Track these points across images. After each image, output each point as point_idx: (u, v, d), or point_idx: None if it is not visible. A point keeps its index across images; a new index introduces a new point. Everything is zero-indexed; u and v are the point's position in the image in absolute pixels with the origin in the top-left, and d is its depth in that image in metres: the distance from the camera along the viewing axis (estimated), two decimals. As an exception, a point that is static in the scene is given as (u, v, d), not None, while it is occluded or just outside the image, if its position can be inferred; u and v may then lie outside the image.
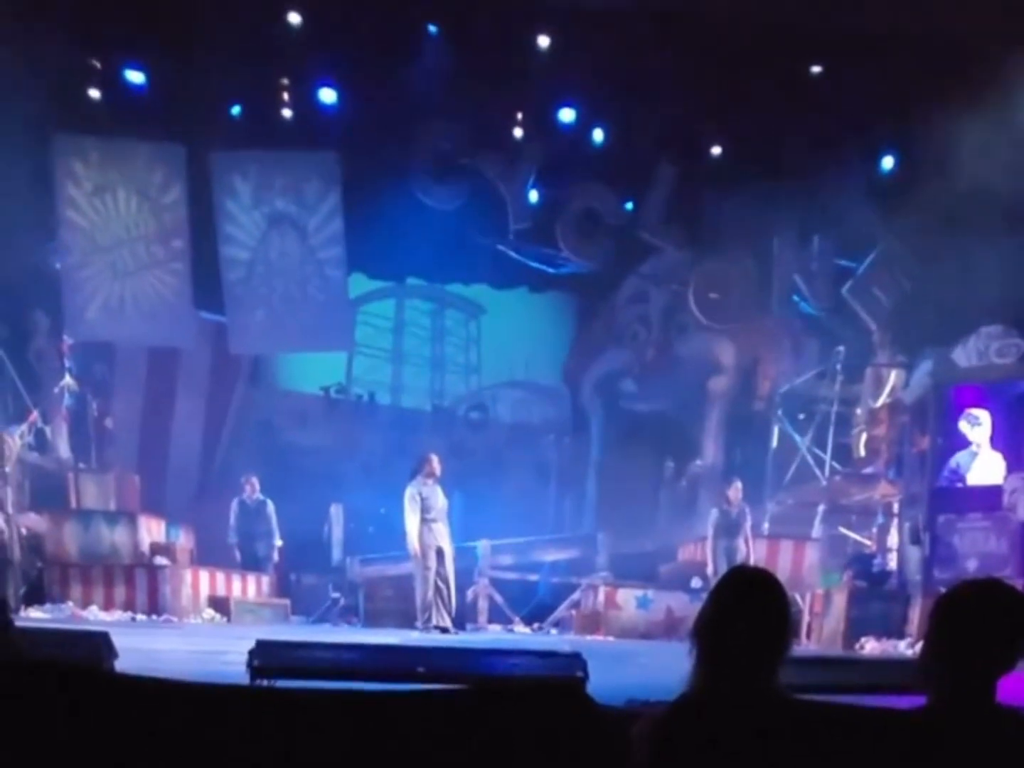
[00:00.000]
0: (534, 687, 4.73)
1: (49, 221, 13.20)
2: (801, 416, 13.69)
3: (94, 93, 12.63)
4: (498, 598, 12.54)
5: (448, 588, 11.24)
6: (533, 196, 14.00)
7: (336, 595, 12.58)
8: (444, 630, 11.03)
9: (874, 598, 10.87)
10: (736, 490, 12.08)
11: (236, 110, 13.07)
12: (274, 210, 13.76)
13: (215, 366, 14.64)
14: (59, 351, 13.26)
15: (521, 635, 12.08)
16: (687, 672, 2.62)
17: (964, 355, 11.48)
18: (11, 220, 11.32)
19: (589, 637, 11.50)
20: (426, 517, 11.16)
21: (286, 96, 12.90)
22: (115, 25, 11.64)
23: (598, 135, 13.47)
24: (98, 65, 12.37)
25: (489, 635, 11.75)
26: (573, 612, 12.44)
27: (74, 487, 12.73)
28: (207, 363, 14.62)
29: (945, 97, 10.58)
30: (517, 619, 12.51)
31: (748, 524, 12.02)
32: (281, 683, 5.03)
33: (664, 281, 14.91)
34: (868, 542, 12.19)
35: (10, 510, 11.25)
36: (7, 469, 11.31)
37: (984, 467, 10.24)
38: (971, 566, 9.82)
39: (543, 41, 11.99)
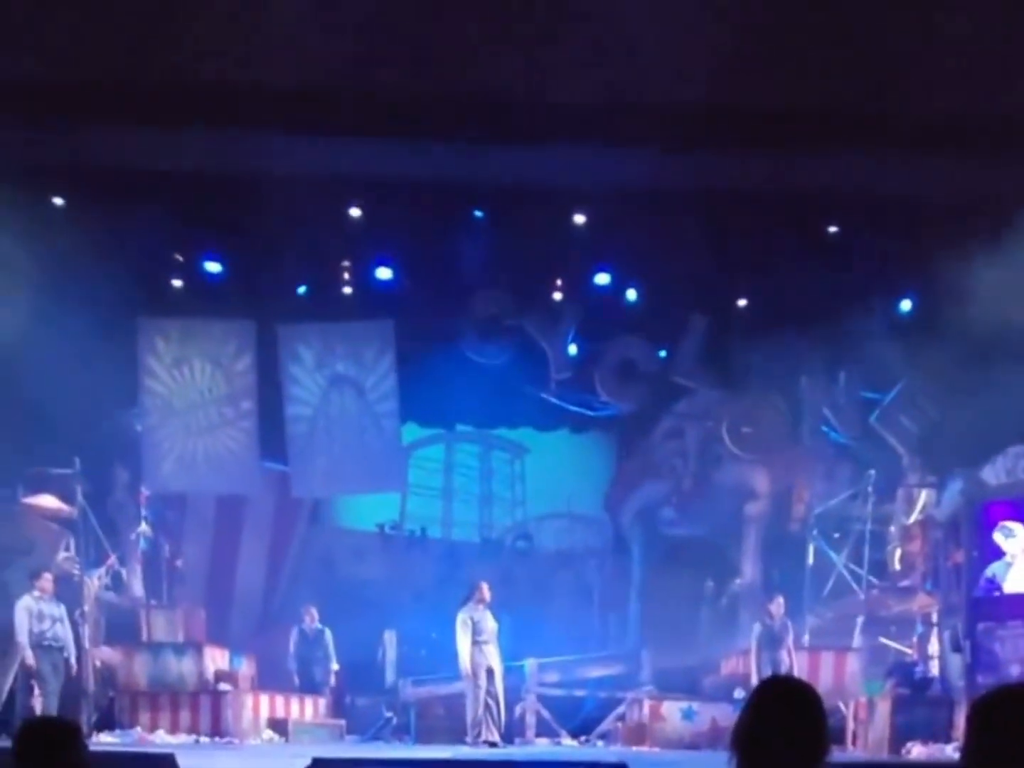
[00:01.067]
0: None
1: (131, 390, 14.24)
2: (836, 535, 14.00)
3: (176, 282, 13.77)
4: (545, 713, 12.65)
5: (498, 705, 11.52)
6: (573, 349, 14.74)
7: (389, 714, 12.80)
8: (493, 744, 11.22)
9: (918, 704, 10.98)
10: (778, 605, 12.32)
11: (302, 289, 14.11)
12: (335, 372, 14.66)
13: (278, 509, 15.39)
14: (136, 502, 14.14)
15: (568, 748, 12.15)
16: None
17: (993, 473, 11.89)
18: (98, 389, 12.36)
19: (635, 748, 11.56)
20: (477, 639, 11.59)
21: (346, 275, 13.92)
22: (197, 224, 12.77)
23: (632, 294, 14.28)
24: (180, 259, 13.55)
25: (537, 748, 11.86)
26: (619, 724, 12.45)
27: (146, 622, 13.39)
28: (271, 507, 15.38)
29: (958, 243, 11.32)
30: (564, 733, 12.58)
31: (790, 637, 12.20)
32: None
33: (698, 418, 15.47)
34: (909, 651, 12.31)
35: (86, 645, 11.91)
36: (85, 608, 12.05)
37: (1020, 576, 10.50)
38: (1014, 671, 10.03)
39: (579, 218, 12.92)
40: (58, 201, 12.39)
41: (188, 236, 13.08)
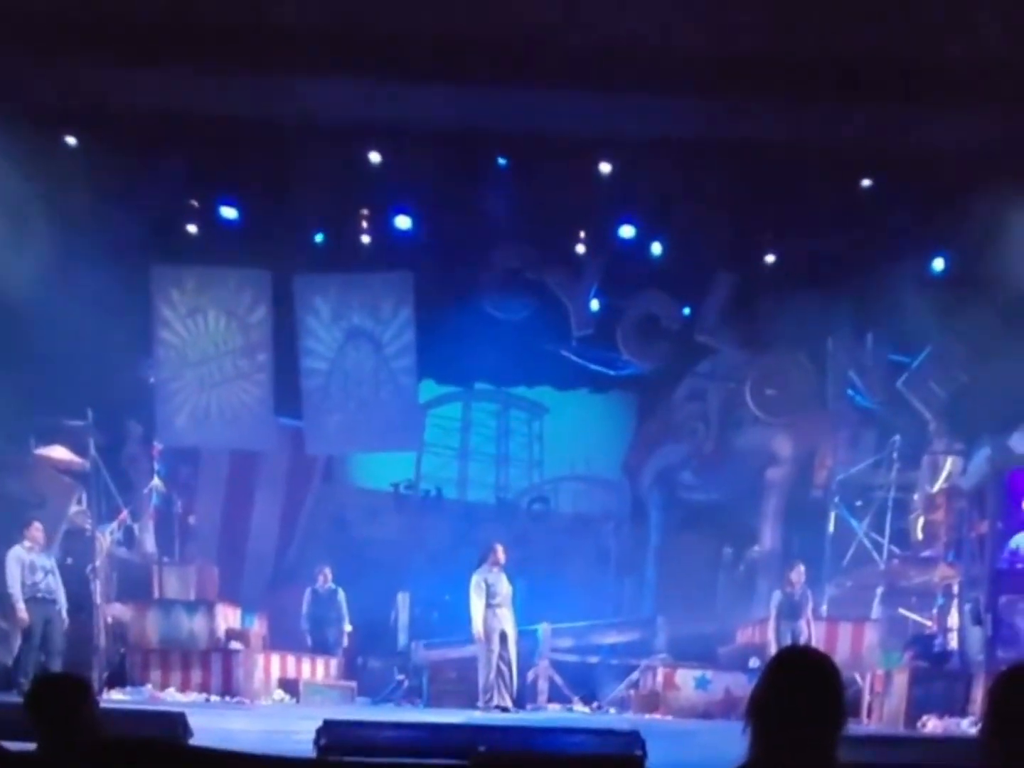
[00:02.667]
0: (593, 765, 5.05)
1: (145, 340, 14.15)
2: (858, 503, 13.90)
3: (191, 228, 13.55)
4: (558, 679, 12.68)
5: (510, 670, 11.55)
6: (595, 305, 14.52)
7: (401, 677, 12.84)
8: (505, 709, 11.26)
9: (936, 677, 10.91)
10: (799, 573, 12.27)
11: (319, 237, 13.91)
12: (351, 325, 14.53)
13: (292, 466, 15.38)
14: (149, 456, 14.17)
15: (580, 714, 12.17)
16: (744, 751, 2.68)
17: (1021, 441, 11.59)
18: (111, 340, 12.19)
19: (648, 716, 11.58)
20: (491, 603, 11.58)
21: (365, 224, 13.70)
22: (213, 169, 12.60)
23: (656, 248, 14.02)
24: (196, 204, 13.33)
25: (549, 714, 11.88)
26: (632, 692, 12.49)
27: (158, 579, 13.44)
28: (285, 464, 15.37)
29: (995, 201, 11.07)
30: (577, 699, 12.60)
31: (810, 606, 12.17)
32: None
33: (721, 379, 15.35)
34: (928, 623, 12.25)
35: (98, 600, 11.90)
36: (97, 564, 12.01)
37: None
38: None
39: (604, 167, 12.63)
40: (71, 141, 12.19)
41: (204, 181, 12.93)
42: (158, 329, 14.37)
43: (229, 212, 13.52)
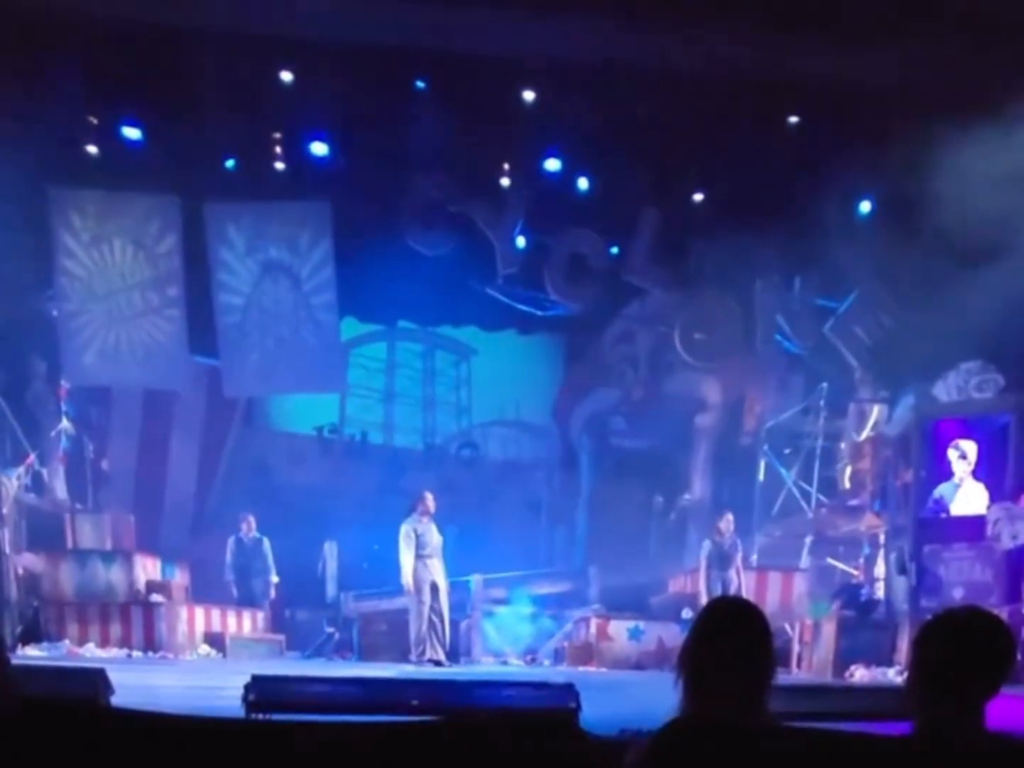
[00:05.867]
0: (527, 718, 4.79)
1: (47, 270, 13.38)
2: (787, 451, 13.94)
3: (92, 149, 12.77)
4: (491, 631, 12.62)
5: (442, 622, 11.36)
6: (521, 242, 14.13)
7: (331, 630, 12.62)
8: (438, 663, 11.10)
9: (863, 627, 10.98)
10: (728, 522, 12.26)
11: (230, 163, 13.24)
12: (267, 258, 13.95)
13: (210, 408, 14.84)
14: (56, 395, 13.47)
15: (514, 667, 12.13)
16: (677, 702, 2.67)
17: (944, 390, 11.57)
18: (10, 269, 11.48)
19: (582, 668, 11.56)
20: (421, 553, 11.31)
21: (279, 149, 13.08)
22: (114, 84, 11.81)
23: (583, 183, 13.67)
24: (96, 122, 12.52)
25: (483, 668, 11.79)
26: (565, 644, 12.50)
27: (71, 527, 12.85)
28: (202, 406, 14.81)
29: (923, 142, 10.68)
30: (510, 652, 12.58)
31: (739, 556, 12.19)
32: (276, 717, 5.09)
33: (650, 322, 15.11)
34: (855, 572, 12.32)
35: (7, 550, 11.31)
36: (4, 510, 11.39)
37: (967, 498, 10.44)
38: (957, 595, 10.00)
39: (528, 95, 12.21)
40: (-45, 49, 11.23)
41: (104, 97, 12.07)
42: (60, 258, 13.64)
43: (132, 132, 12.79)
